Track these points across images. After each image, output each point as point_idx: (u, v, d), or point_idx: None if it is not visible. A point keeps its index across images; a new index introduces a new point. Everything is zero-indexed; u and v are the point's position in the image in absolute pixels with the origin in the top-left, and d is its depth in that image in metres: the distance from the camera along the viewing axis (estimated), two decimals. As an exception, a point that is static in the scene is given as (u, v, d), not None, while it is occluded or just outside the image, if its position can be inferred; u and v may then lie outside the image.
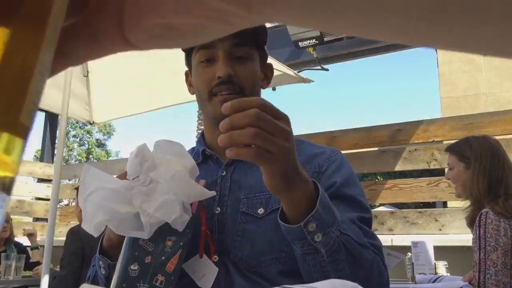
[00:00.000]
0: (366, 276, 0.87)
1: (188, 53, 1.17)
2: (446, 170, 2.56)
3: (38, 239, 5.22)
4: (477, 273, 2.06)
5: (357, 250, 0.87)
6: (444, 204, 6.32)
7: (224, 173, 1.11)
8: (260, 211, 1.01)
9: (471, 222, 2.23)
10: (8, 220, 4.15)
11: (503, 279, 1.99)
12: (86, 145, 27.18)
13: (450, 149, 2.44)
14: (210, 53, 1.09)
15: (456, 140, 2.53)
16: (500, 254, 2.03)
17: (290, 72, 3.60)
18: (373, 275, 0.89)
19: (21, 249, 4.24)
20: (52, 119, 5.98)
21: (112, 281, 0.88)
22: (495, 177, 2.20)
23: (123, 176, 0.91)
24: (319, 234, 0.81)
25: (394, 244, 3.42)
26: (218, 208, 1.06)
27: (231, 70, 1.07)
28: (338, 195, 1.02)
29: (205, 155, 1.17)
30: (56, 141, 5.62)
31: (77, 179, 6.63)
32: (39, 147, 6.25)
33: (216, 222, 1.04)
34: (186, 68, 1.24)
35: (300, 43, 4.05)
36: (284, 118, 0.74)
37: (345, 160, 1.14)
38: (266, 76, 1.21)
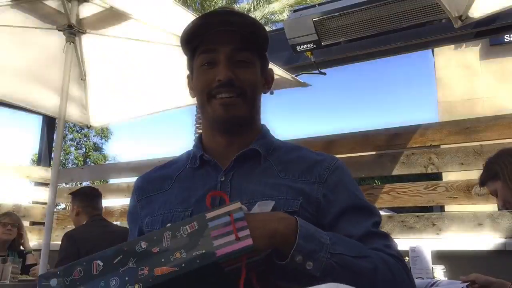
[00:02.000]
0: (372, 283, 0.90)
1: (191, 57, 1.18)
2: (475, 188, 2.54)
3: (35, 243, 5.20)
4: None
5: (354, 264, 0.90)
6: (442, 208, 6.33)
7: (223, 178, 1.11)
8: None
9: None
10: (14, 224, 4.14)
11: None
12: (84, 149, 27.11)
13: (481, 180, 2.43)
14: (212, 57, 1.11)
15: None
16: None
17: (287, 76, 3.60)
18: (380, 279, 0.91)
19: (20, 255, 4.23)
20: (49, 123, 5.96)
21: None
22: None
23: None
24: (309, 262, 0.86)
25: (391, 248, 3.40)
26: None
27: (232, 74, 1.08)
28: (349, 208, 1.06)
29: (202, 160, 1.17)
30: (53, 145, 5.61)
31: (74, 183, 6.60)
32: (36, 150, 6.23)
33: None
34: (185, 72, 1.25)
35: (297, 47, 4.05)
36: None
37: (345, 168, 1.16)
38: (267, 81, 1.23)
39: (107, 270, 0.83)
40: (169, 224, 0.90)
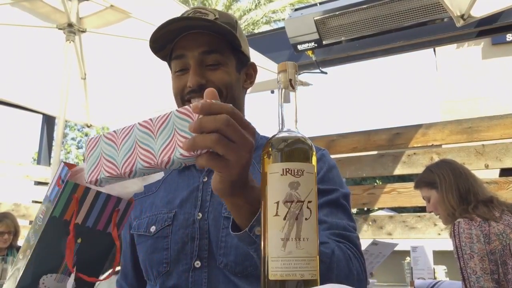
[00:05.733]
0: (326, 269, 0.84)
1: (168, 64, 1.18)
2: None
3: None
4: (462, 281, 2.10)
5: None
6: (443, 208, 6.31)
7: (206, 179, 1.12)
8: None
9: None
10: (10, 231, 4.13)
11: (486, 284, 2.03)
12: (84, 148, 27.16)
13: (417, 184, 2.60)
14: (183, 63, 1.10)
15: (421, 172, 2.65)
16: (477, 260, 2.08)
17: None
18: (334, 269, 0.86)
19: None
20: (49, 122, 5.95)
21: None
22: (463, 187, 2.32)
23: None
24: None
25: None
26: (200, 214, 1.06)
27: (201, 79, 1.06)
28: (332, 203, 1.03)
29: None
30: (53, 144, 5.60)
31: (75, 182, 6.58)
32: (37, 149, 6.22)
33: (197, 228, 1.04)
34: None
35: (298, 46, 4.04)
36: (251, 129, 0.71)
37: (328, 159, 1.14)
38: (249, 76, 1.20)
39: None
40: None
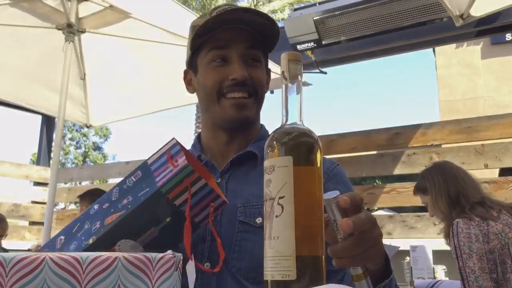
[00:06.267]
0: None
1: (195, 51, 1.13)
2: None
3: (34, 243, 5.19)
4: (461, 281, 2.11)
5: None
6: (442, 208, 6.30)
7: (219, 180, 1.09)
8: (258, 220, 0.99)
9: (447, 238, 2.29)
10: (4, 234, 4.13)
11: (484, 284, 2.03)
12: (83, 148, 27.11)
13: (414, 191, 2.62)
14: (224, 54, 1.07)
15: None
16: (476, 260, 2.09)
17: (288, 75, 3.58)
18: None
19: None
20: (48, 122, 5.95)
21: None
22: (453, 191, 2.31)
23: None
24: None
25: (392, 248, 3.39)
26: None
27: (247, 73, 1.05)
28: None
29: (200, 161, 1.15)
30: (53, 144, 5.59)
31: (74, 183, 6.58)
32: (35, 150, 6.21)
33: (209, 229, 1.02)
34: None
35: (298, 46, 4.04)
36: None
37: (343, 174, 1.15)
38: (267, 81, 1.20)
39: (67, 240, 0.87)
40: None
